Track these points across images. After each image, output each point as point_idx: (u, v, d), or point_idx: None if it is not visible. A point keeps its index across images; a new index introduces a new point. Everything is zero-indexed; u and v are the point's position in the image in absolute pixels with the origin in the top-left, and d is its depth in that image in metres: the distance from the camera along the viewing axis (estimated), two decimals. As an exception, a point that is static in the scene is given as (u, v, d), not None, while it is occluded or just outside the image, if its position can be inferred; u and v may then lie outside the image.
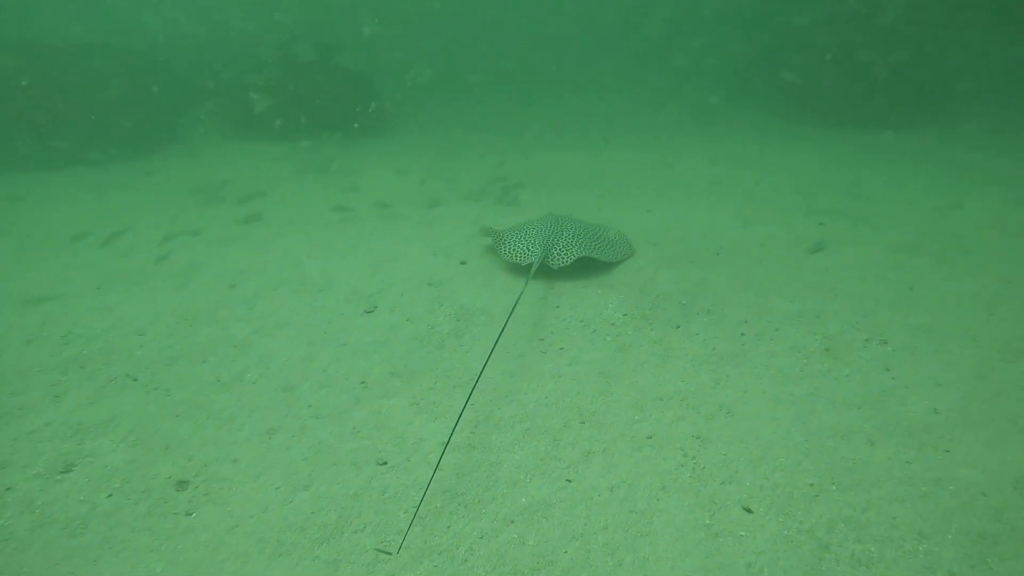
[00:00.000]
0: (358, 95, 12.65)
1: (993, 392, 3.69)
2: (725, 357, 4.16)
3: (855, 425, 3.47)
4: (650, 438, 3.44)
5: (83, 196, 8.37)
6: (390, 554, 2.77)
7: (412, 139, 12.13)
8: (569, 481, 3.16)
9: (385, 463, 3.32)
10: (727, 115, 13.29)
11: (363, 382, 4.01)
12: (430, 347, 4.41)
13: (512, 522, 2.93)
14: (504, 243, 5.52)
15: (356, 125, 12.10)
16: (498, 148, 11.01)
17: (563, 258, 5.21)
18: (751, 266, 5.49)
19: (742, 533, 2.83)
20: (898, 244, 5.85)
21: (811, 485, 3.07)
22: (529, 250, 5.30)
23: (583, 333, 4.52)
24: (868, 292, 4.96)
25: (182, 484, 3.19)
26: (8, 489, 3.16)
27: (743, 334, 4.43)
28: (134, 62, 11.92)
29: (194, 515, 3.01)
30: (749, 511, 2.94)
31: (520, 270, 5.46)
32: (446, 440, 3.37)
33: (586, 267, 5.45)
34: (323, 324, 4.74)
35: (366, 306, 4.96)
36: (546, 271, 5.31)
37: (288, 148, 11.14)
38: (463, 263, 5.71)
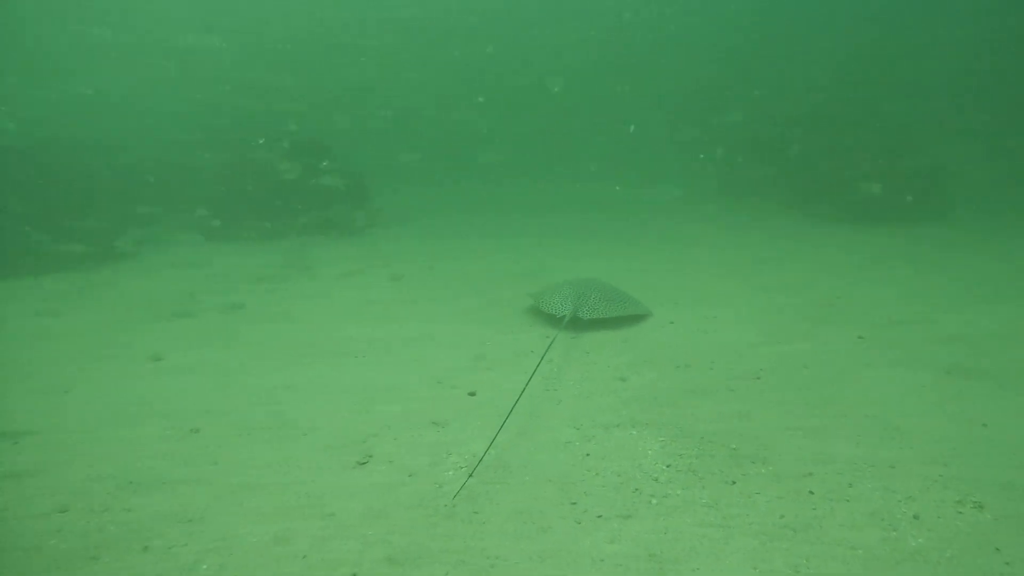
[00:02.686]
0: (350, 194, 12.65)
1: None
2: (798, 530, 3.43)
3: (991, 644, 2.74)
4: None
5: None
6: None
7: (405, 240, 11.57)
8: None
9: None
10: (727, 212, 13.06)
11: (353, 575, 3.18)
12: (438, 517, 3.60)
13: None
14: (542, 298, 6.64)
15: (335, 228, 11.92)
16: (498, 248, 10.46)
17: (592, 312, 6.24)
18: (794, 395, 4.85)
19: None
20: (949, 364, 5.29)
21: None
22: (562, 305, 6.31)
23: (622, 493, 3.76)
24: (936, 430, 4.32)
25: None
26: None
27: (811, 493, 3.72)
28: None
29: None
30: None
31: (544, 414, 4.73)
32: None
33: (616, 391, 4.74)
34: (302, 485, 3.88)
35: (359, 456, 4.15)
36: (557, 415, 4.59)
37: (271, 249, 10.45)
38: (472, 394, 4.96)
